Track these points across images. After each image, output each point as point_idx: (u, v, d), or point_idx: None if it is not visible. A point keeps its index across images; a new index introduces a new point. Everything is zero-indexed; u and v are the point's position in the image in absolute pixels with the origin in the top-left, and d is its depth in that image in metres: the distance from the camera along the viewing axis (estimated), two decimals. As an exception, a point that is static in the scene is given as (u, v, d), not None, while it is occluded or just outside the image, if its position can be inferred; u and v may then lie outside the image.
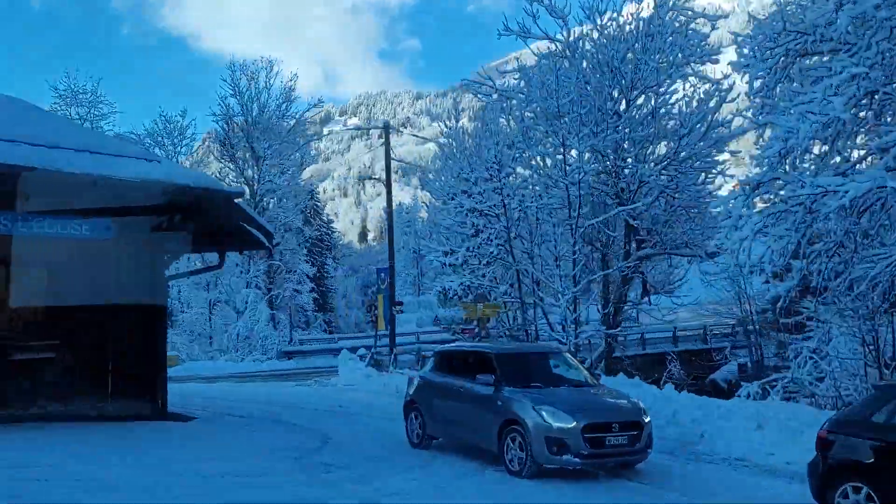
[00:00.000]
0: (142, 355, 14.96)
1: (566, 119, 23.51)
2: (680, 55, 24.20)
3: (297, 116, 49.85)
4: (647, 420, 10.85)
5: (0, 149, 11.71)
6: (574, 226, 23.03)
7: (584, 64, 23.90)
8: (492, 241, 24.43)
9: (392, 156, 31.66)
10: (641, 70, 23.64)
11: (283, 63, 49.13)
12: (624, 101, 24.13)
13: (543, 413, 10.41)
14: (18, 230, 13.02)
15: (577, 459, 10.25)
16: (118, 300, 14.58)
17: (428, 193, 43.83)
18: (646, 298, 30.15)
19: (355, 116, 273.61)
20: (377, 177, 44.03)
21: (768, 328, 29.93)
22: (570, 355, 12.30)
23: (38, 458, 10.39)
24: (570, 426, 10.27)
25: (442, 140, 34.17)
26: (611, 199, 25.15)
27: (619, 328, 25.56)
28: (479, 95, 27.89)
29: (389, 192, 32.02)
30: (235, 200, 14.82)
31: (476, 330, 21.79)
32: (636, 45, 23.81)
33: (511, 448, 10.65)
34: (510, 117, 26.72)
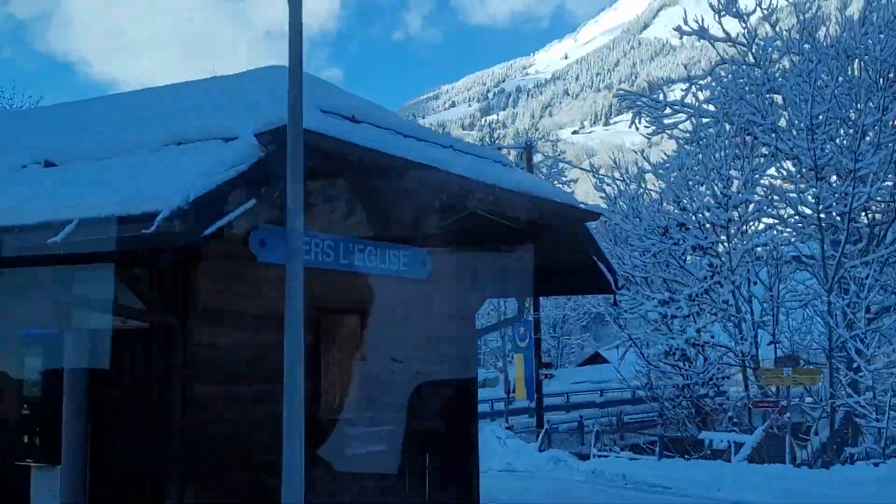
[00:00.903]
0: (453, 439, 10.82)
1: (818, 134, 19.69)
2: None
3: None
4: None
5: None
6: (836, 268, 19.10)
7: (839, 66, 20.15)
8: (722, 285, 20.47)
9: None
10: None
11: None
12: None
13: None
14: (340, 263, 9.11)
15: None
16: (429, 364, 10.52)
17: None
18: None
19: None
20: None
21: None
22: None
23: None
24: None
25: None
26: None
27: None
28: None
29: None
30: (585, 223, 10.90)
31: (783, 404, 17.38)
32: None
33: None
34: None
